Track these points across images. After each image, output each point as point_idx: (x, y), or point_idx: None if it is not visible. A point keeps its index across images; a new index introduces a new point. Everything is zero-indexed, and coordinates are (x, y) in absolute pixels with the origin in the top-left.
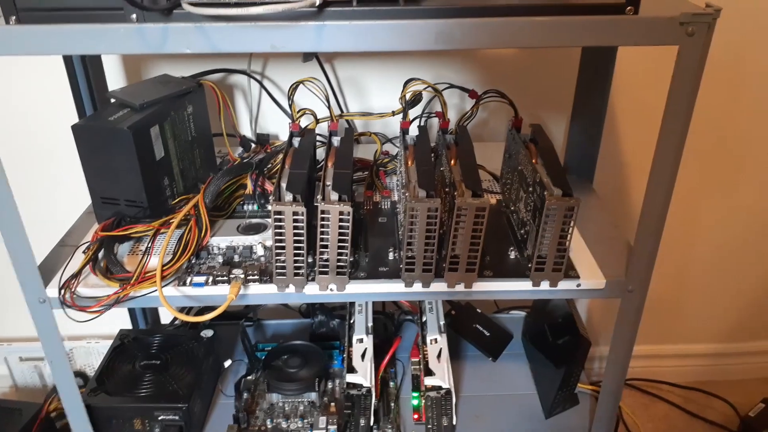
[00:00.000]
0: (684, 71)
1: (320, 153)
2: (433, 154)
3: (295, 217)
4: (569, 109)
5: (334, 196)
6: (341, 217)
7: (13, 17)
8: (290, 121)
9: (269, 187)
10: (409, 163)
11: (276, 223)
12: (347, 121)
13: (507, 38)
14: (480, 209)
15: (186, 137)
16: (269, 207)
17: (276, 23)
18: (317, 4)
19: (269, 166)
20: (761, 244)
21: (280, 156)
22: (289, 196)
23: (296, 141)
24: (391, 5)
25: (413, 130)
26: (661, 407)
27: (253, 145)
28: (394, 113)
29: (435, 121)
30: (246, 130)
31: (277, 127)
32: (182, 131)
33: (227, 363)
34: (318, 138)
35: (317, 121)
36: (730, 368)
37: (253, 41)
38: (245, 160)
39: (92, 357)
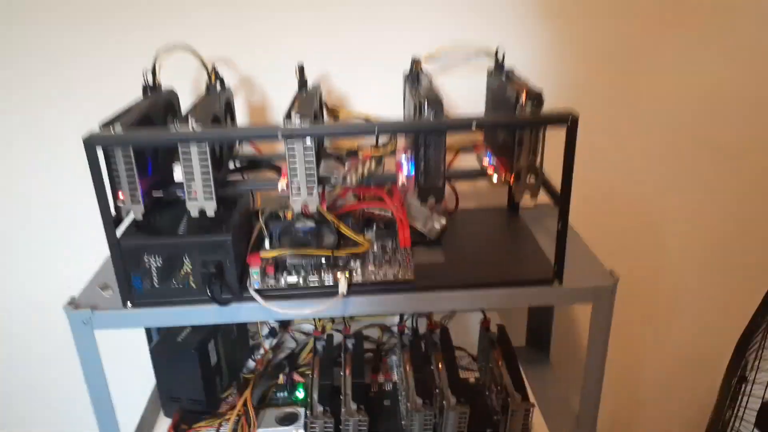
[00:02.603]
0: (597, 320)
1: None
2: (423, 343)
3: (326, 427)
4: None
5: (353, 406)
6: (360, 426)
7: (129, 302)
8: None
9: (297, 378)
10: (408, 367)
11: (311, 428)
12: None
13: (477, 303)
14: (462, 414)
15: (231, 339)
16: (298, 395)
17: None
18: (345, 294)
19: (297, 360)
20: (704, 368)
21: (304, 353)
22: (320, 408)
23: (319, 345)
24: (393, 284)
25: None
26: None
27: (278, 329)
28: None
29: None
30: None
31: None
32: (228, 337)
33: None
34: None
35: (333, 321)
36: None
37: (300, 314)
38: (278, 357)
39: None
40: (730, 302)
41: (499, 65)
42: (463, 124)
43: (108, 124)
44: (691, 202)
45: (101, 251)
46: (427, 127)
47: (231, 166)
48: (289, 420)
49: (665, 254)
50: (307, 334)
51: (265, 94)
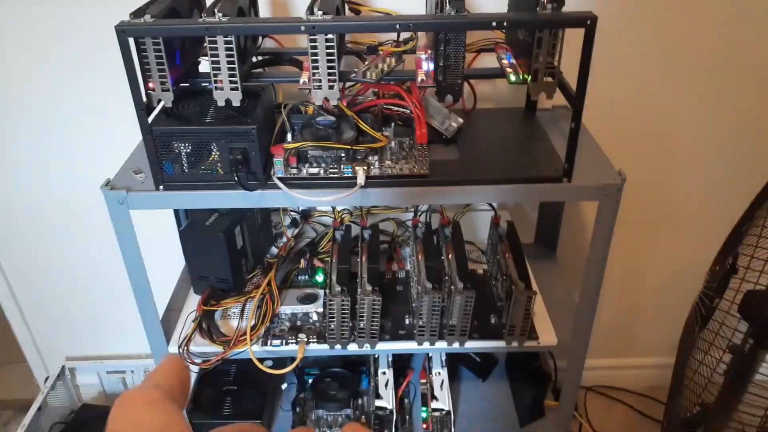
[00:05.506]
0: (603, 217)
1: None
2: (435, 237)
3: (342, 304)
4: None
5: (369, 287)
6: (374, 304)
7: (161, 186)
8: (333, 220)
9: (317, 263)
10: (419, 257)
11: (329, 305)
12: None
13: (488, 197)
14: (468, 298)
15: (255, 226)
16: (317, 279)
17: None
18: (363, 185)
19: (317, 248)
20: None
21: (324, 241)
22: (338, 288)
23: (338, 234)
24: (408, 177)
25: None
26: (620, 409)
27: (299, 220)
28: (407, 209)
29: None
30: None
31: None
32: (253, 224)
33: (284, 386)
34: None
35: (351, 214)
36: None
37: (320, 201)
38: (300, 245)
39: None
40: (732, 213)
41: None
42: (483, 21)
43: (138, 13)
44: (701, 114)
45: (130, 138)
46: (448, 23)
47: (254, 60)
48: (309, 299)
49: (674, 164)
50: (326, 225)
51: None
